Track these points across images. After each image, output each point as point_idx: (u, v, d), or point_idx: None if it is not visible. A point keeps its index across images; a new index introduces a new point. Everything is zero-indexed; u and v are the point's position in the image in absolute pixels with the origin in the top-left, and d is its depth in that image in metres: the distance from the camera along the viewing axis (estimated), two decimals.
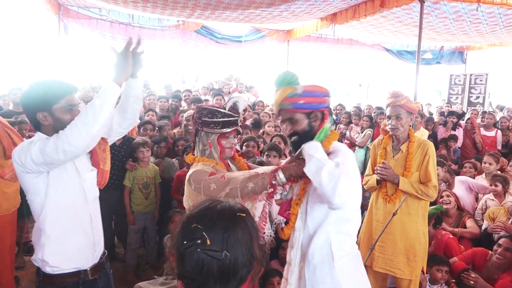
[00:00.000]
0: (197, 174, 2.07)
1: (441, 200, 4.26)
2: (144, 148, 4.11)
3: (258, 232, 1.11)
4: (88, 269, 2.07)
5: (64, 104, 1.91)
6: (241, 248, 1.04)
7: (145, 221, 4.21)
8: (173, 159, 4.68)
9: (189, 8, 7.27)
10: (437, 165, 4.28)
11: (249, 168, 2.44)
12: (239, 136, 2.52)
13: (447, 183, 4.69)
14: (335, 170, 1.68)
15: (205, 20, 8.70)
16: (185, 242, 1.03)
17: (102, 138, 2.10)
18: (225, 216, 1.07)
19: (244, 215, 1.09)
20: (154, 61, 11.50)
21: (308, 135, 1.92)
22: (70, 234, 1.99)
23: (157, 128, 5.13)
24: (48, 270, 1.97)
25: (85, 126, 1.76)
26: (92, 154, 2.09)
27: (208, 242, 1.01)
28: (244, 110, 2.23)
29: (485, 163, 5.05)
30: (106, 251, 2.26)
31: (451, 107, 9.93)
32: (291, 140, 1.98)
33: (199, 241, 1.01)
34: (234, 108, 2.19)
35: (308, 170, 1.74)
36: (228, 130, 2.18)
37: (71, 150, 1.77)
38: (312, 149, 1.80)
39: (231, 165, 2.38)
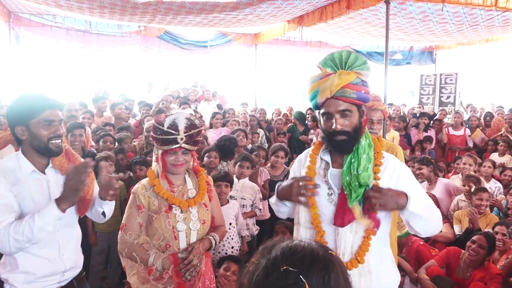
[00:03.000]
0: (132, 200, 2.21)
1: None
2: (106, 163, 3.91)
3: (347, 272, 0.95)
4: None
5: (41, 119, 1.87)
6: None
7: (109, 241, 3.96)
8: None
9: (149, 14, 7.01)
10: (423, 164, 4.69)
11: (208, 185, 2.35)
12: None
13: (429, 183, 4.81)
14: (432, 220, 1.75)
15: (167, 26, 8.45)
16: None
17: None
18: (319, 255, 0.91)
19: (335, 253, 0.96)
20: (115, 70, 11.12)
21: (357, 134, 1.72)
22: (30, 259, 1.92)
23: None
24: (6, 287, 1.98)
25: (17, 242, 1.78)
26: None
27: (307, 287, 0.84)
28: (189, 128, 2.13)
29: (464, 164, 5.09)
30: (83, 272, 2.21)
31: (423, 108, 9.92)
32: (337, 139, 1.71)
33: None
34: (173, 126, 2.10)
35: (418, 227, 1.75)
36: (167, 148, 2.12)
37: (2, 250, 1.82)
38: (416, 208, 1.67)
39: (188, 179, 2.30)
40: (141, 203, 2.17)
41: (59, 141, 1.93)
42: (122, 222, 2.22)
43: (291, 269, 0.86)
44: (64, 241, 2.03)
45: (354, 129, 1.70)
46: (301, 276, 0.85)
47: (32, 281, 1.94)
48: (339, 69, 1.66)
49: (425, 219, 1.69)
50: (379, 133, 2.85)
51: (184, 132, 2.10)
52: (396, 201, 1.64)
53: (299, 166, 1.96)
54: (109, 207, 2.09)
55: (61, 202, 1.82)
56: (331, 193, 1.79)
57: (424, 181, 4.86)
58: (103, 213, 2.09)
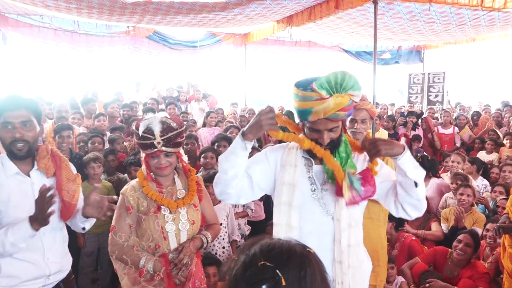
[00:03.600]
0: (120, 202, 2.19)
1: None
2: (95, 164, 3.87)
3: (325, 269, 0.98)
4: None
5: (1, 122, 1.84)
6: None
7: (98, 243, 3.93)
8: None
9: (138, 14, 6.95)
10: None
11: (198, 185, 2.33)
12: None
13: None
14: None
15: (156, 26, 8.38)
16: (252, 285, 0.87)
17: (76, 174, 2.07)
18: (296, 252, 0.94)
19: (312, 251, 0.98)
20: (104, 70, 10.99)
21: (340, 140, 1.81)
22: (14, 263, 1.87)
23: (106, 141, 4.81)
24: None
25: None
26: (57, 180, 1.96)
27: (283, 282, 0.86)
28: (165, 131, 2.10)
29: (453, 162, 5.15)
30: (72, 275, 2.18)
31: (413, 107, 10.00)
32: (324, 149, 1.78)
33: (270, 282, 0.86)
34: (149, 130, 2.10)
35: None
36: (147, 152, 2.14)
37: None
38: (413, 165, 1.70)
39: (177, 180, 2.29)
40: (129, 204, 2.17)
41: (21, 144, 1.86)
42: (112, 224, 2.20)
43: (268, 264, 0.88)
44: (49, 245, 1.99)
45: (338, 137, 1.78)
46: (277, 271, 0.87)
47: (16, 285, 1.90)
48: (335, 92, 1.67)
49: (421, 172, 1.71)
50: (364, 132, 2.87)
51: (161, 136, 2.08)
52: (390, 145, 1.68)
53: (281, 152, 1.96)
54: (89, 223, 2.06)
55: (33, 221, 1.76)
56: (314, 189, 1.82)
57: None
58: (83, 228, 2.07)
